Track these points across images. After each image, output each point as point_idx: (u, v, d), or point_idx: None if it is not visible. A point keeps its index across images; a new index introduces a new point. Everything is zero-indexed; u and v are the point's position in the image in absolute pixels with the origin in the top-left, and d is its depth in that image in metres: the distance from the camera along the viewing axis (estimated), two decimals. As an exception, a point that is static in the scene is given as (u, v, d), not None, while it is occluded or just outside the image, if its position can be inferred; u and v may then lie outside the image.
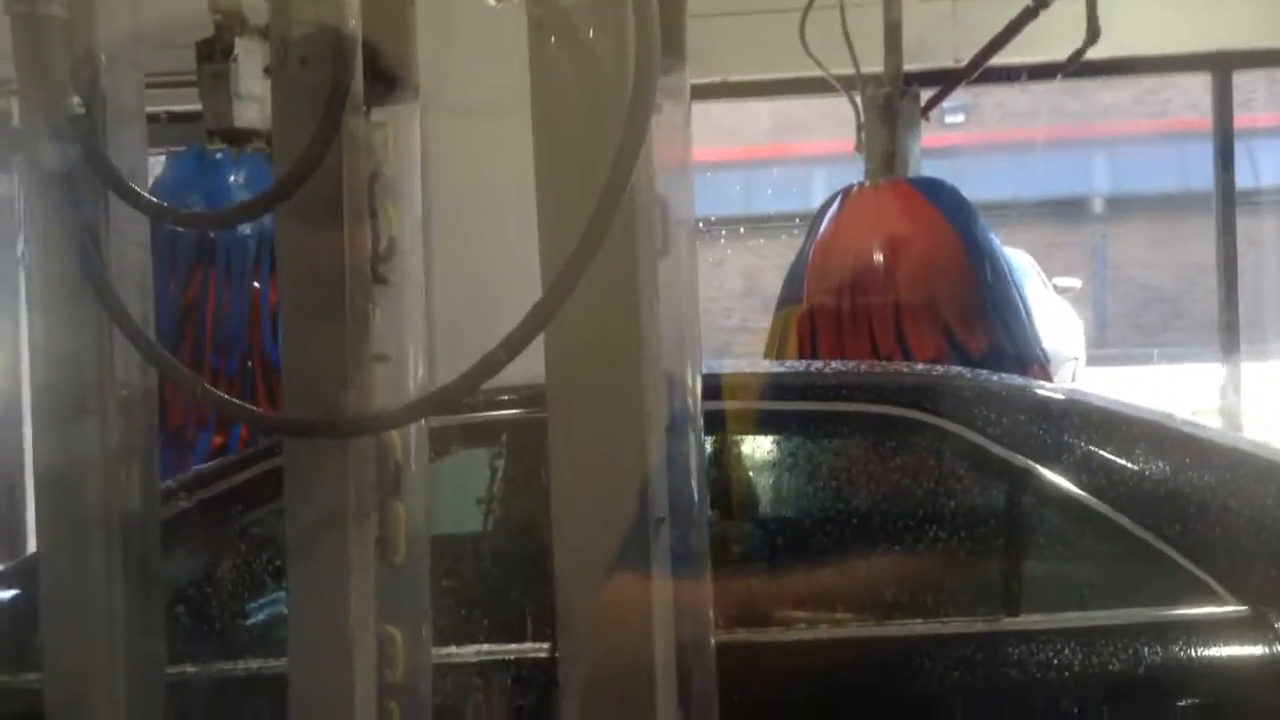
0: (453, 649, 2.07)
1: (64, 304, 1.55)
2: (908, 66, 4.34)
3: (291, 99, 1.45)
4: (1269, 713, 1.97)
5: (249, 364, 4.11)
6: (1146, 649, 2.01)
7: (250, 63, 4.15)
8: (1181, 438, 2.29)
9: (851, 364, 3.07)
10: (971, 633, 2.07)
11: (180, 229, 4.15)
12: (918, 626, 2.10)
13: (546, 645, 2.10)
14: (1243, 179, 5.32)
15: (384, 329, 1.49)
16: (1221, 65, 5.00)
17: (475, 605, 2.23)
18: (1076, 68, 4.31)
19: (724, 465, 2.41)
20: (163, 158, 4.38)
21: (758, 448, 2.48)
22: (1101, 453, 2.19)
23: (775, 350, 4.07)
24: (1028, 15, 4.16)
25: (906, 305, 3.84)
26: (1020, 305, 4.03)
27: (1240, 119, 5.24)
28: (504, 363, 1.29)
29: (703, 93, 2.12)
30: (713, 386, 2.25)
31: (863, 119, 4.29)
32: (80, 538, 1.59)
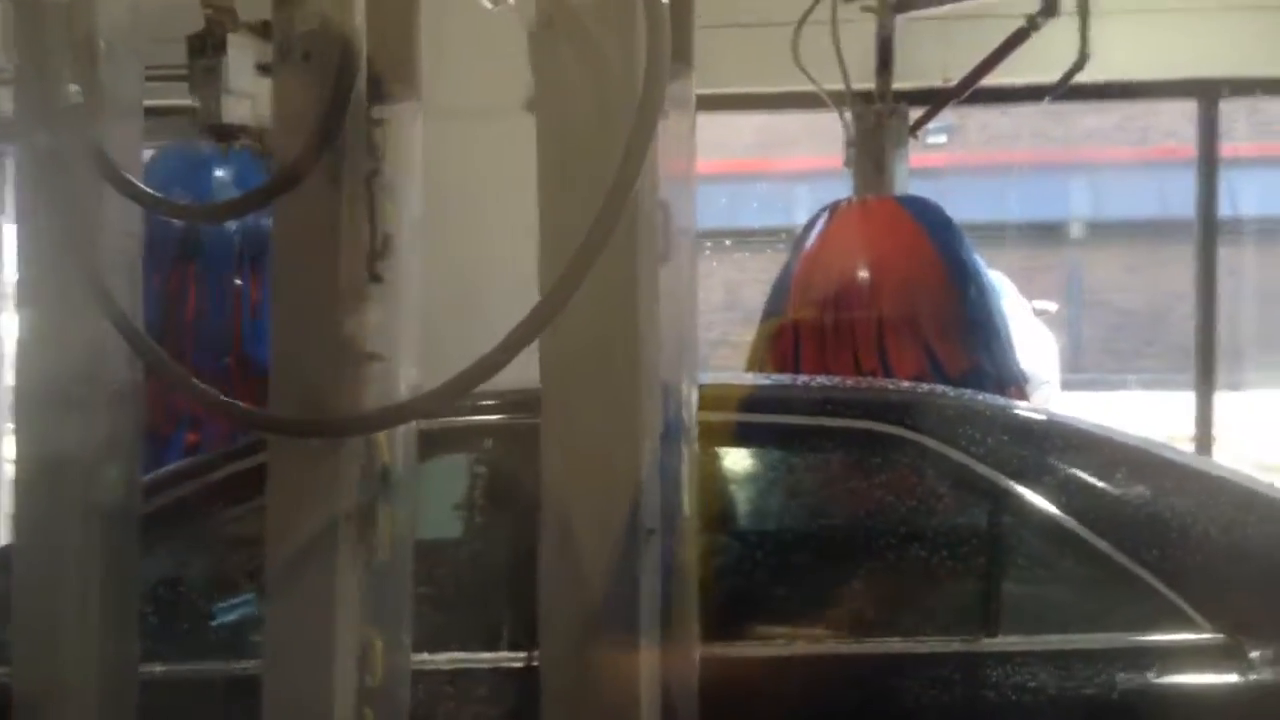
0: (425, 656, 2.06)
1: (54, 294, 1.53)
2: (897, 84, 4.36)
3: (292, 93, 1.44)
4: (1243, 739, 1.98)
5: (227, 360, 4.08)
6: (1122, 674, 2.02)
7: (241, 59, 4.13)
8: (1162, 463, 2.30)
9: (836, 379, 3.08)
10: (949, 652, 2.07)
11: (163, 222, 4.13)
12: (896, 644, 2.10)
13: (523, 654, 2.09)
14: (1222, 208, 5.37)
15: (378, 328, 1.48)
16: (1208, 93, 5.04)
17: (451, 612, 2.22)
18: (1065, 91, 4.34)
19: (704, 477, 2.41)
20: (149, 152, 4.35)
21: (739, 460, 2.48)
22: (1082, 475, 2.20)
23: (758, 364, 4.08)
24: (1019, 36, 4.19)
25: (889, 322, 3.85)
26: (1001, 326, 4.05)
27: (1221, 148, 5.29)
28: (501, 365, 1.29)
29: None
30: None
31: (852, 135, 4.30)
32: (58, 532, 1.57)
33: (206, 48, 4.08)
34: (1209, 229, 5.11)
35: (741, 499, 2.44)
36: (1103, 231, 14.06)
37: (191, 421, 3.92)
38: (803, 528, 2.31)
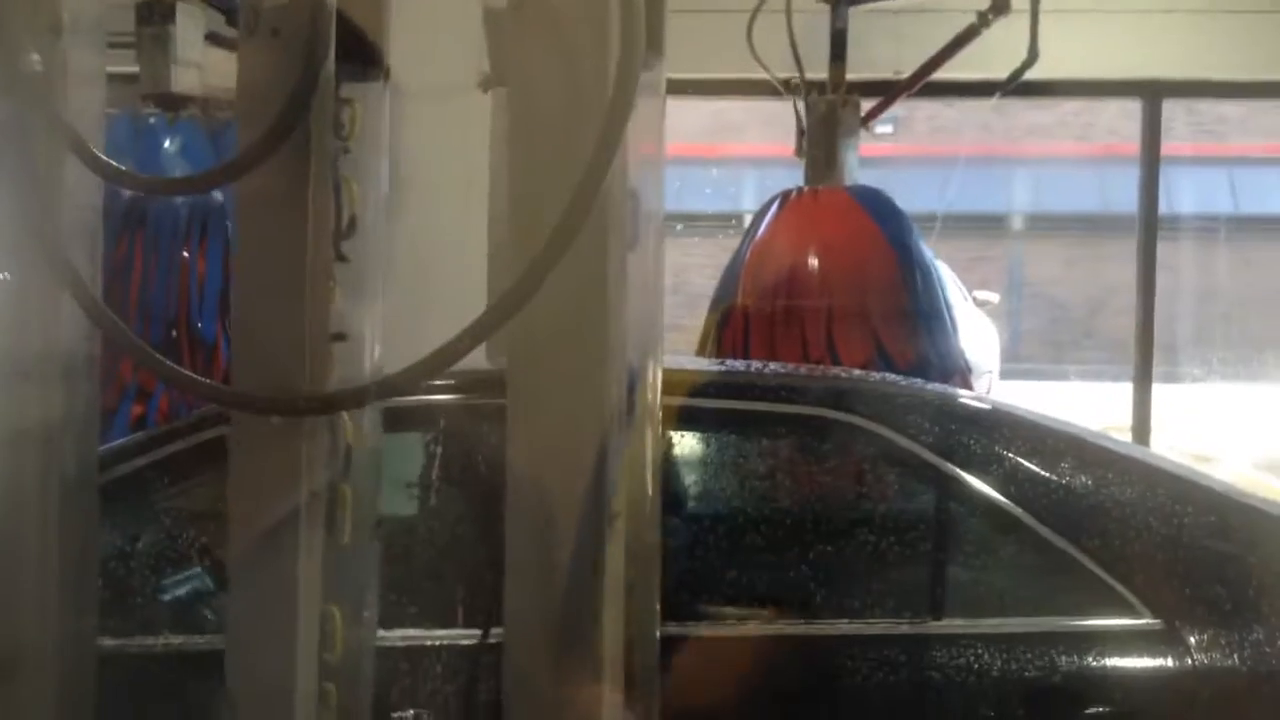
0: (381, 633, 2.06)
1: (10, 266, 1.51)
2: (849, 76, 4.40)
3: (259, 69, 1.43)
4: (1178, 721, 2.04)
5: (174, 334, 4.04)
6: (1063, 657, 2.07)
7: (190, 28, 4.07)
8: (1104, 453, 2.36)
9: (788, 366, 3.11)
10: (896, 634, 2.12)
11: (109, 191, 4.05)
12: (844, 626, 2.14)
13: (477, 632, 2.10)
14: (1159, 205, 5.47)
15: (343, 308, 1.48)
16: (1152, 92, 5.14)
17: (404, 590, 2.22)
18: (1014, 87, 4.41)
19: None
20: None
21: (691, 445, 2.50)
22: (1027, 464, 2.25)
23: (707, 350, 4.11)
24: (970, 33, 4.25)
25: (838, 311, 3.90)
26: (947, 317, 4.12)
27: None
28: (468, 349, 1.29)
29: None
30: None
31: (804, 125, 4.34)
32: (14, 506, 1.55)
33: (154, 16, 4.01)
34: (1150, 226, 5.22)
35: (693, 483, 2.47)
36: (1043, 224, 14.28)
37: (136, 394, 3.88)
38: (754, 512, 2.34)
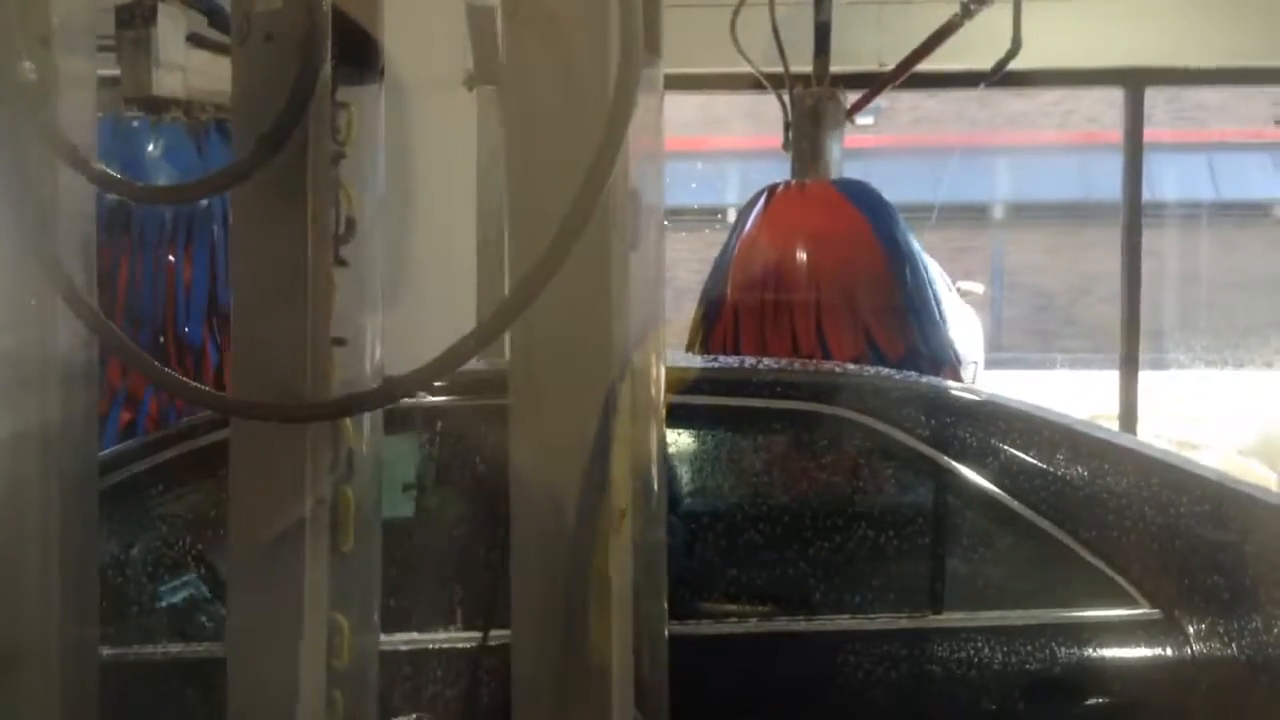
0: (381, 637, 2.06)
1: (6, 274, 1.50)
2: (833, 68, 4.41)
3: (254, 75, 1.42)
4: (1180, 713, 2.05)
5: (161, 339, 4.02)
6: (1063, 649, 2.08)
7: (172, 30, 4.03)
8: (1099, 444, 2.37)
9: (781, 361, 3.11)
10: (896, 629, 2.12)
11: (98, 195, 4.02)
12: (844, 622, 2.14)
13: (477, 635, 2.10)
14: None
15: (342, 312, 1.47)
16: (1134, 81, 5.16)
17: (402, 593, 2.22)
18: (998, 77, 4.42)
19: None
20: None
21: (683, 442, 2.50)
22: (1024, 456, 2.26)
23: (696, 345, 4.11)
24: (954, 24, 4.26)
25: (828, 305, 3.91)
26: (936, 309, 4.13)
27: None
28: (473, 352, 1.29)
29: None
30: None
31: (790, 118, 4.34)
32: (16, 511, 1.54)
33: (135, 18, 3.98)
34: (1134, 214, 5.24)
35: (688, 480, 2.47)
36: (1024, 213, 14.33)
37: (126, 400, 3.86)
38: (749, 509, 2.34)
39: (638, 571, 1.35)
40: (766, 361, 2.82)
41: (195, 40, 4.16)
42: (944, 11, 4.38)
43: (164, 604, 2.45)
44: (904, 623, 2.13)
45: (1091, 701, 2.07)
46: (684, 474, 2.44)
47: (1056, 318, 14.09)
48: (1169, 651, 2.07)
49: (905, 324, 3.96)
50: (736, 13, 4.38)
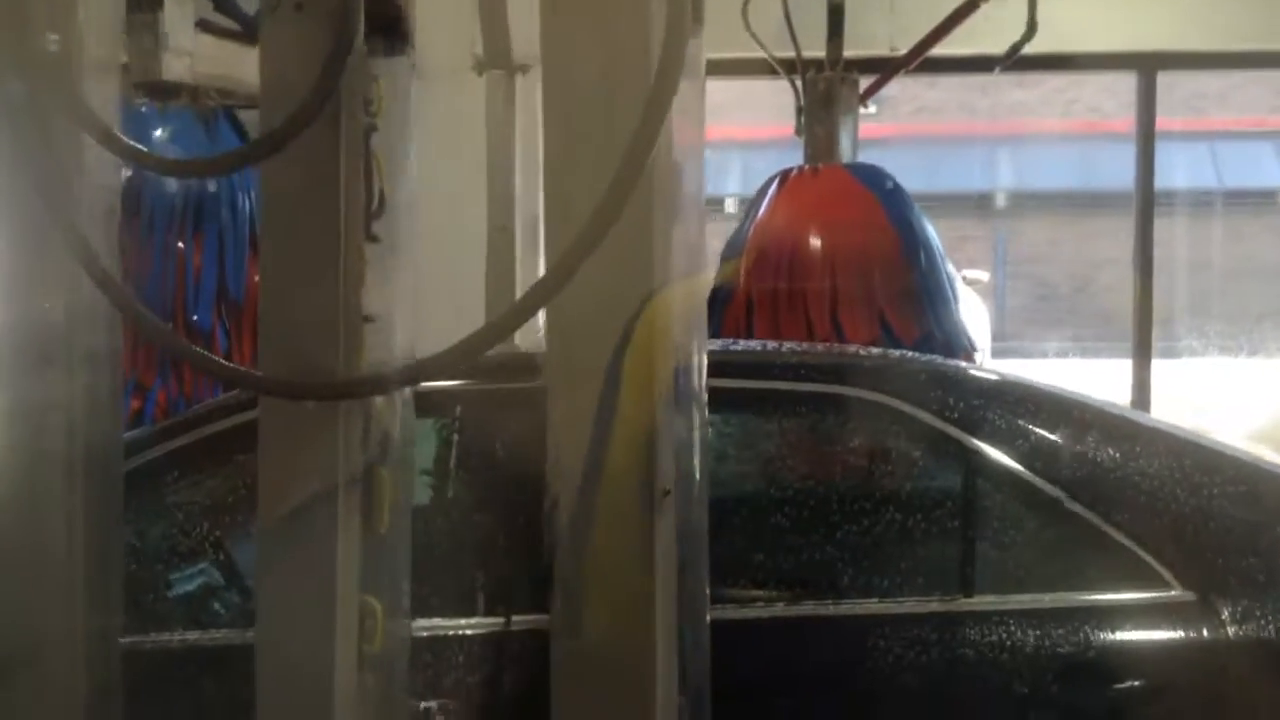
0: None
1: (29, 249, 1.47)
2: (845, 53, 4.37)
3: (283, 46, 1.39)
4: (1215, 696, 2.03)
5: (170, 326, 3.98)
6: (1096, 632, 2.05)
7: (180, 14, 4.00)
8: (1130, 426, 2.34)
9: (804, 345, 3.08)
10: (927, 613, 2.10)
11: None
12: (874, 606, 2.11)
13: (500, 620, 2.07)
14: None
15: (374, 289, 1.44)
16: (1147, 65, 5.12)
17: (426, 579, 2.19)
18: (1011, 62, 4.38)
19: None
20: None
21: (712, 426, 2.47)
22: (1054, 438, 2.23)
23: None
24: (969, 7, 4.22)
25: (843, 290, 3.88)
26: (950, 294, 4.10)
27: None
28: (511, 330, 1.26)
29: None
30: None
31: (803, 103, 4.30)
32: (38, 496, 1.51)
33: (143, 3, 3.95)
34: (1146, 199, 5.20)
35: (714, 466, 2.44)
36: (1027, 202, 14.31)
37: (134, 389, 3.82)
38: (776, 493, 2.31)
39: (681, 553, 1.33)
40: (788, 344, 2.79)
41: (203, 26, 4.13)
42: (958, -5, 4.34)
43: (179, 592, 2.42)
44: (934, 606, 2.10)
45: (1125, 685, 2.04)
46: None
47: (1059, 307, 14.07)
48: (1204, 634, 2.04)
49: (920, 308, 3.93)
50: (748, -2, 4.34)
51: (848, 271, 3.90)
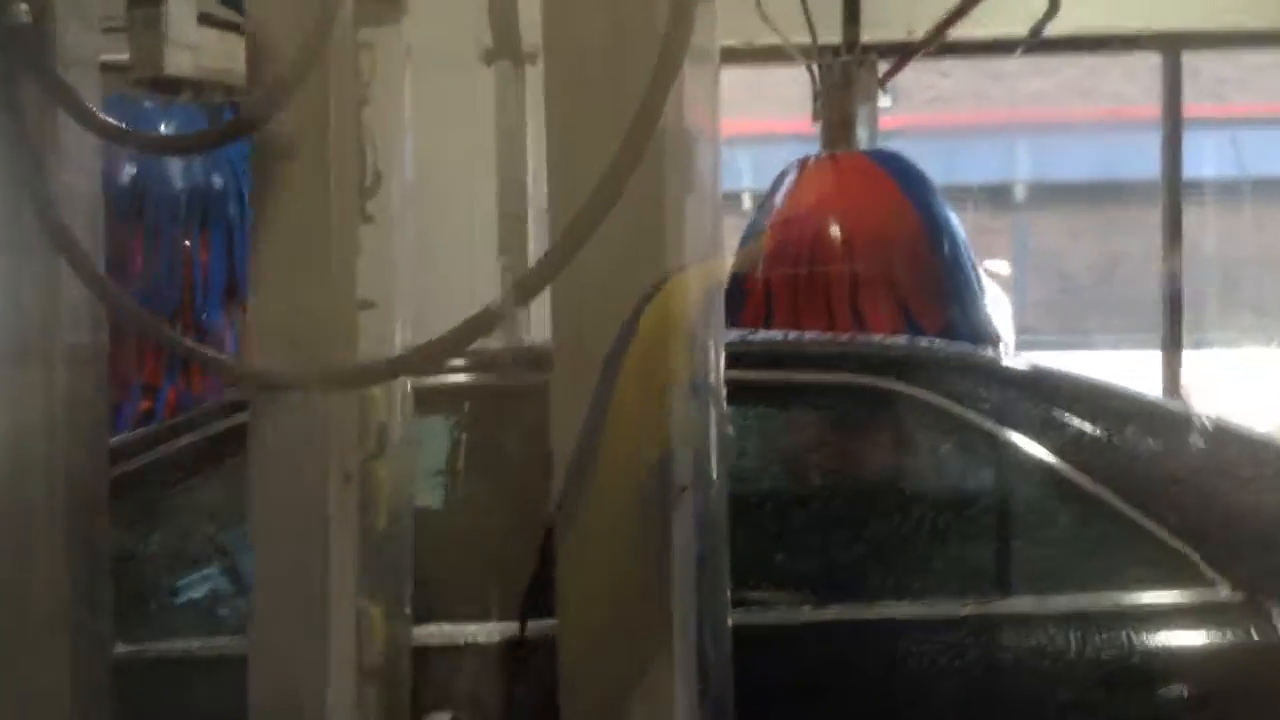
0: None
1: (3, 235, 1.38)
2: (862, 38, 4.28)
3: (271, 11, 1.30)
4: (1266, 700, 1.91)
5: (179, 326, 3.91)
6: (1140, 635, 1.95)
7: (183, 7, 3.92)
8: (1170, 416, 2.23)
9: (825, 334, 2.98)
10: (961, 615, 1.99)
11: (107, 178, 3.93)
12: (905, 608, 2.01)
13: (515, 626, 1.98)
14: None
15: (368, 272, 1.35)
16: (1171, 46, 4.99)
17: (432, 584, 2.10)
18: (1033, 44, 4.27)
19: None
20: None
21: (730, 420, 2.36)
22: (1090, 430, 2.12)
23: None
24: (989, -17, 4.10)
25: (864, 279, 3.78)
26: (974, 283, 3.99)
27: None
28: (507, 314, 1.17)
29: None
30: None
31: (819, 88, 4.20)
32: (17, 500, 1.42)
33: (145, -3, 3.87)
34: (1174, 185, 5.08)
35: (733, 461, 2.33)
36: (1047, 193, 14.16)
37: (143, 390, 3.75)
38: (798, 489, 2.21)
39: (700, 545, 1.23)
40: (809, 334, 2.69)
41: (206, 19, 4.05)
42: (975, -23, 4.23)
43: (184, 598, 2.34)
44: (968, 609, 1.99)
45: (1170, 691, 1.93)
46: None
47: (1082, 298, 13.92)
48: (1253, 635, 1.93)
49: (943, 298, 3.82)
50: (761, -19, 4.23)
51: (868, 259, 3.80)
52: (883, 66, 4.36)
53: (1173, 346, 5.00)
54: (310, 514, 1.27)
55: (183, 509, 2.33)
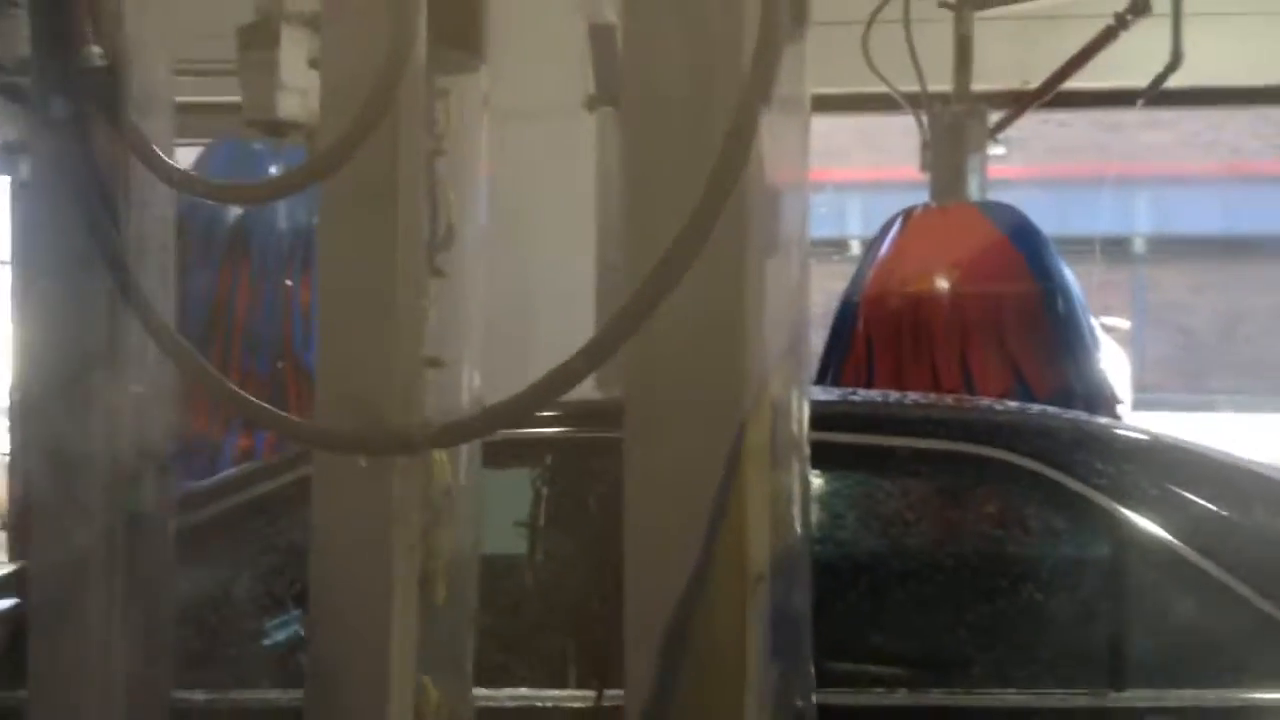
0: (483, 692, 1.86)
1: (64, 287, 1.35)
2: (973, 87, 4.16)
3: (343, 57, 1.25)
4: None
5: (279, 364, 3.94)
6: (1270, 735, 1.78)
7: (294, 52, 3.98)
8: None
9: (931, 396, 2.84)
10: (1072, 708, 1.84)
11: (212, 219, 4.00)
12: (1011, 697, 1.86)
13: (591, 693, 1.89)
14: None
15: (437, 329, 1.28)
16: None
17: (509, 645, 2.02)
18: (1154, 95, 4.10)
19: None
20: (197, 150, 4.24)
21: (823, 485, 2.25)
22: (1216, 509, 1.96)
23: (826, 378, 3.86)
24: (1108, 35, 3.97)
25: (972, 336, 3.63)
26: (1091, 343, 3.81)
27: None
28: (583, 374, 1.09)
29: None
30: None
31: (928, 138, 4.09)
32: (79, 550, 1.38)
33: (258, 40, 3.93)
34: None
35: (823, 529, 2.21)
36: (1167, 247, 13.74)
37: (243, 425, 3.77)
38: (898, 563, 2.08)
39: (776, 644, 1.12)
40: (912, 396, 2.56)
41: (315, 63, 4.11)
42: (1092, 26, 4.10)
43: (268, 643, 2.30)
44: (1080, 700, 1.84)
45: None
46: (820, 522, 2.19)
47: (1205, 356, 13.43)
48: None
49: (1057, 358, 3.65)
50: (868, 29, 4.15)
51: (977, 316, 3.65)
52: (994, 116, 4.23)
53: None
54: (369, 586, 1.20)
55: (270, 552, 2.30)
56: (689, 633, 1.11)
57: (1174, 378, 13.02)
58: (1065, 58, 4.15)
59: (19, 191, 3.95)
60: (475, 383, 1.35)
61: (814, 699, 1.25)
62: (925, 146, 4.11)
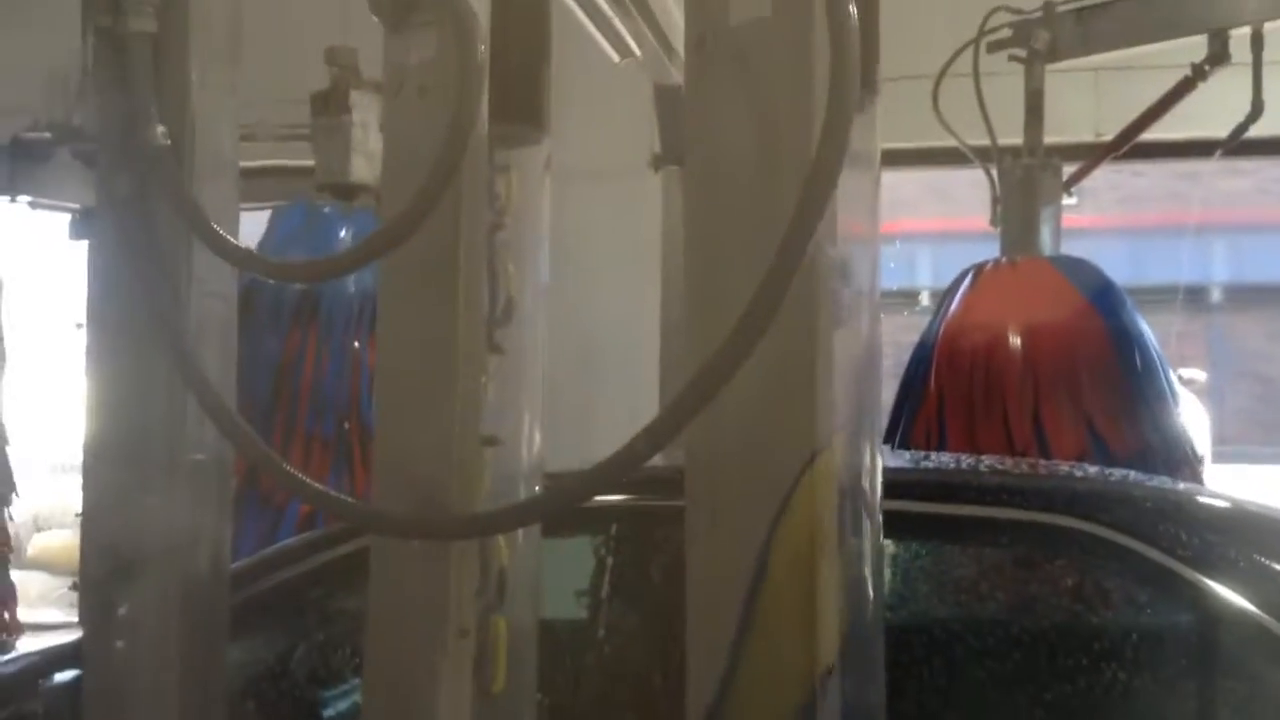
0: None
1: (130, 356, 1.35)
2: (1045, 139, 4.09)
3: (405, 133, 1.25)
4: None
5: (346, 427, 3.95)
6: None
7: (365, 116, 4.04)
8: None
9: (1007, 462, 2.75)
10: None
11: (281, 283, 4.04)
12: None
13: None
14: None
15: (496, 406, 1.26)
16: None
17: (572, 714, 1.98)
18: (1236, 145, 4.00)
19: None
20: (266, 213, 4.30)
21: (896, 556, 2.18)
22: None
23: (895, 438, 3.79)
24: (1185, 86, 3.88)
25: (1046, 394, 3.53)
26: (1171, 400, 3.69)
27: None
28: (646, 456, 1.06)
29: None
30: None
31: (999, 192, 4.02)
32: (132, 624, 1.37)
33: (330, 106, 4.00)
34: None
35: (894, 603, 2.14)
36: (1245, 297, 13.44)
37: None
38: (972, 640, 2.00)
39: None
40: (986, 460, 2.48)
41: (384, 127, 4.16)
42: (1166, 77, 4.02)
43: (330, 713, 2.28)
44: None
45: None
46: (888, 596, 2.12)
47: (1284, 408, 13.05)
48: None
49: (1135, 416, 3.54)
50: (938, 83, 4.11)
51: (1050, 373, 3.55)
52: (1066, 168, 4.16)
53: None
54: (424, 671, 1.18)
55: (330, 622, 2.29)
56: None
57: (1253, 429, 12.65)
58: (1139, 109, 4.07)
59: (94, 257, 4.03)
60: (535, 457, 1.32)
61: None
62: (996, 201, 4.04)
